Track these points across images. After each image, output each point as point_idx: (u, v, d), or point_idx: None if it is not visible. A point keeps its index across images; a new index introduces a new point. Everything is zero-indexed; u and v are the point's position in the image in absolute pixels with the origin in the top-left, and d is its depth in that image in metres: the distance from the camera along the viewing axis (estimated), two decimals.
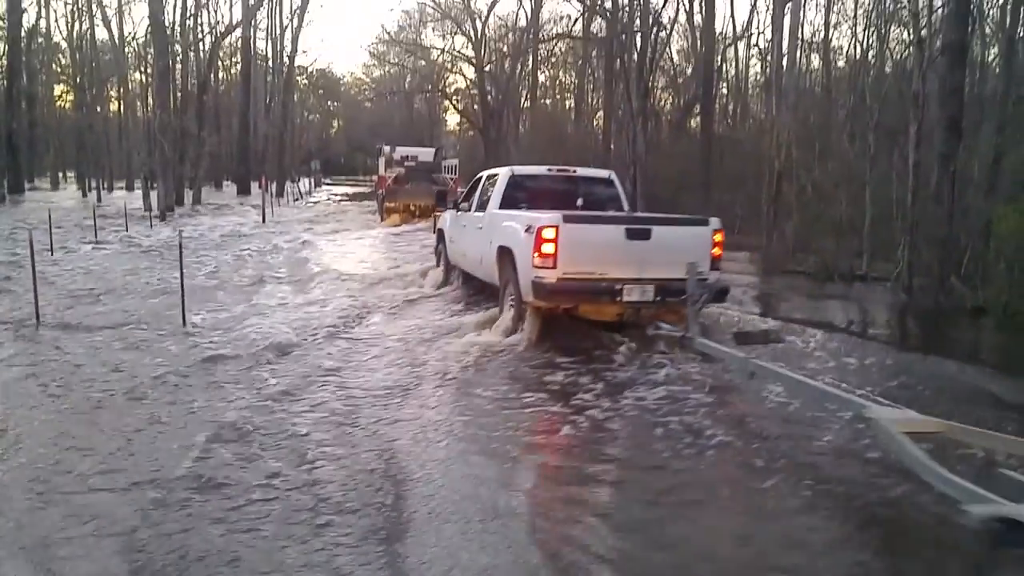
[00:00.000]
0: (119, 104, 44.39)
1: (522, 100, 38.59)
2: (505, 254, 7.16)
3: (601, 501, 3.68)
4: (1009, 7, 12.71)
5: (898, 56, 13.75)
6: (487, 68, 36.84)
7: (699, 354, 5.87)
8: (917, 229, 9.73)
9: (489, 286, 7.96)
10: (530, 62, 36.12)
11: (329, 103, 72.29)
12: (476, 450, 4.30)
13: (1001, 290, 8.44)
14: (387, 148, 26.34)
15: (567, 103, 38.54)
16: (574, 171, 8.97)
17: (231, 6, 42.04)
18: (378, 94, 53.60)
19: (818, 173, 12.16)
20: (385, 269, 11.77)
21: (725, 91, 29.48)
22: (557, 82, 40.44)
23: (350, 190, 48.51)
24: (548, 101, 39.48)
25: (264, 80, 45.64)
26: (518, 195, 8.13)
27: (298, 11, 41.11)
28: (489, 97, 37.60)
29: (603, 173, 8.98)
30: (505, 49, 36.91)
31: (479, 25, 37.33)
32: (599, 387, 5.44)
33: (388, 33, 43.84)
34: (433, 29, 43.11)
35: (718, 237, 6.80)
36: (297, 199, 30.90)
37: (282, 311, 8.34)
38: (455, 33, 40.07)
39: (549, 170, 8.89)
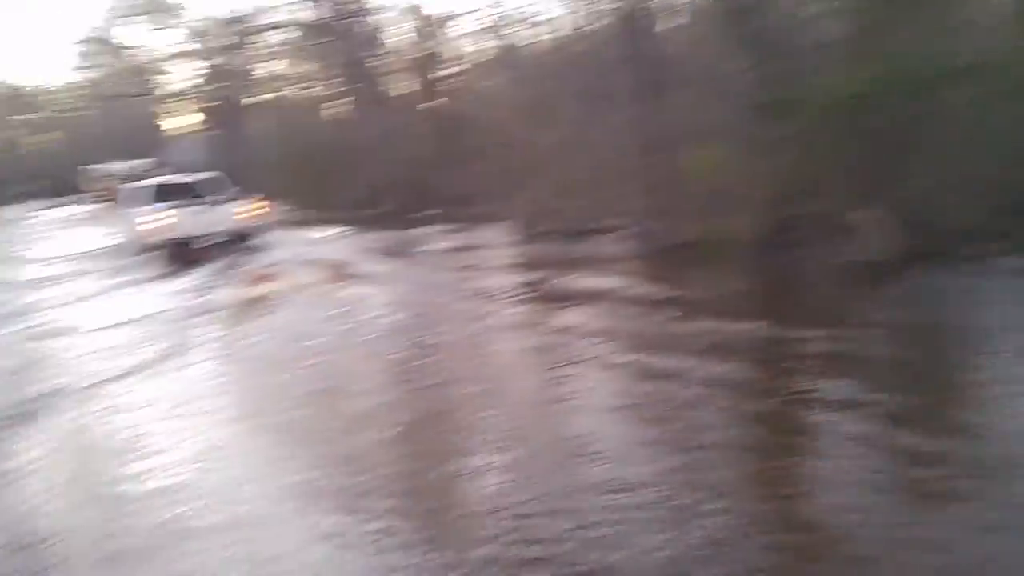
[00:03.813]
0: None
1: (259, 92, 36.86)
2: (146, 227, 13.21)
3: None
4: None
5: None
6: (215, 62, 34.69)
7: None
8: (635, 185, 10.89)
9: (150, 251, 13.18)
10: (259, 52, 34.52)
11: (38, 115, 63.75)
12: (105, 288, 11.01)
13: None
14: (93, 167, 35.78)
15: (309, 92, 37.41)
16: (195, 175, 14.86)
17: None
18: (93, 100, 48.24)
19: (545, 139, 13.09)
20: (93, 249, 16.37)
21: (468, 67, 30.16)
22: (295, 72, 39.00)
23: (81, 209, 43.14)
24: (289, 92, 38.01)
25: None
26: (161, 194, 13.78)
27: None
28: (221, 91, 35.53)
29: (214, 174, 14.75)
30: (230, 42, 34.90)
31: (197, 19, 34.95)
32: (181, 280, 11.05)
33: (94, 31, 39.41)
34: (145, 25, 39.58)
35: (255, 205, 13.46)
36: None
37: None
38: (166, 28, 37.25)
39: (179, 177, 15.36)
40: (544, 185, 13.90)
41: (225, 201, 13.03)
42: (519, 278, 10.28)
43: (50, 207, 48.77)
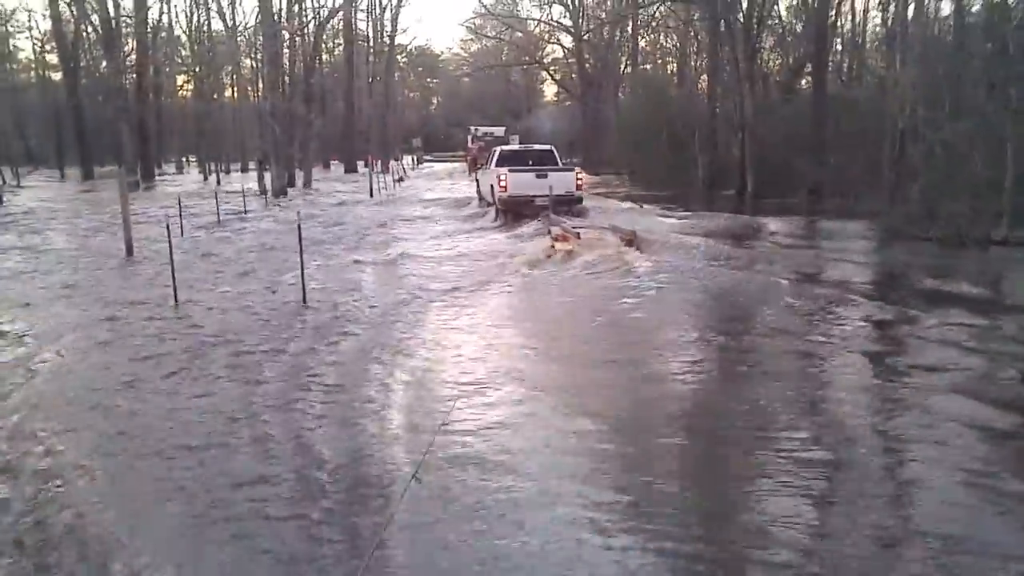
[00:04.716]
0: (232, 91, 46.56)
1: (622, 67, 37.82)
2: (492, 186, 15.83)
3: None
4: None
5: None
6: (585, 36, 36.28)
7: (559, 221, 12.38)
8: None
9: (492, 204, 16.04)
10: (629, 27, 35.27)
11: (428, 80, 73.12)
12: (455, 230, 14.81)
13: None
14: (472, 128, 39.74)
15: (669, 68, 37.45)
16: (532, 146, 19.26)
17: None
18: (475, 69, 53.76)
19: (949, 131, 11.25)
20: (457, 198, 21.28)
21: (839, 47, 27.75)
22: (658, 47, 39.31)
23: (450, 166, 48.91)
24: (649, 66, 38.47)
25: (366, 61, 46.66)
26: (504, 159, 16.28)
27: None
28: (587, 65, 37.11)
29: (547, 146, 17.76)
30: (603, 16, 36.21)
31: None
32: (515, 228, 13.49)
33: (485, 6, 43.76)
34: (530, 0, 42.79)
35: (580, 175, 15.74)
36: (399, 179, 31.45)
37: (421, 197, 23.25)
38: (552, 3, 39.63)
39: (520, 146, 19.85)
40: (932, 181, 12.13)
41: (556, 170, 15.66)
42: (860, 291, 7.95)
43: (430, 161, 56.60)
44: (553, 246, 10.42)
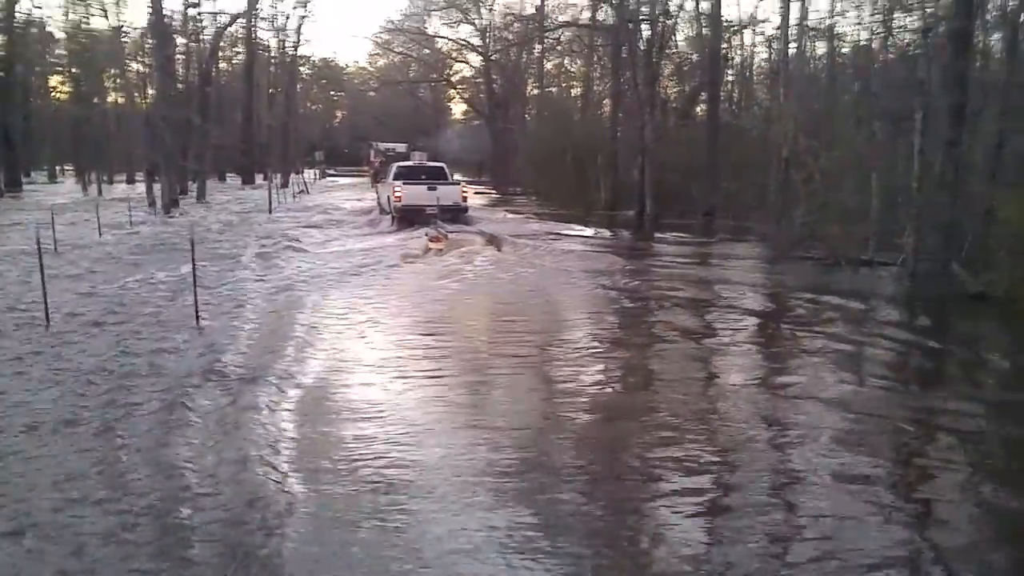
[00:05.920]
0: (116, 96, 43.91)
1: (529, 88, 38.45)
2: (389, 197, 17.59)
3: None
4: None
5: (903, 43, 13.64)
6: (493, 57, 36.73)
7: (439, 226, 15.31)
8: (922, 215, 9.72)
9: (390, 213, 17.61)
10: (536, 50, 35.94)
11: (332, 93, 71.89)
12: (353, 234, 16.69)
13: (1002, 276, 8.38)
14: (375, 143, 41.08)
15: (574, 91, 38.38)
16: (425, 163, 20.14)
17: None
18: (382, 84, 53.37)
19: (825, 160, 12.08)
20: (359, 208, 22.91)
21: (730, 78, 29.29)
22: (563, 70, 40.24)
23: (354, 180, 48.05)
24: (554, 89, 39.31)
25: (267, 71, 45.47)
26: (401, 174, 18.16)
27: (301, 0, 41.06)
28: (495, 86, 37.53)
29: (439, 164, 20.10)
30: (511, 38, 36.75)
31: (485, 13, 37.18)
32: (404, 233, 15.54)
33: (392, 21, 43.68)
34: (439, 18, 42.88)
35: (465, 190, 18.34)
36: (300, 191, 30.46)
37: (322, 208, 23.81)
38: (461, 21, 39.92)
39: (415, 163, 20.35)
40: (811, 206, 12.95)
41: (444, 184, 17.80)
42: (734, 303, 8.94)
43: (333, 175, 55.47)
44: (428, 246, 13.07)
